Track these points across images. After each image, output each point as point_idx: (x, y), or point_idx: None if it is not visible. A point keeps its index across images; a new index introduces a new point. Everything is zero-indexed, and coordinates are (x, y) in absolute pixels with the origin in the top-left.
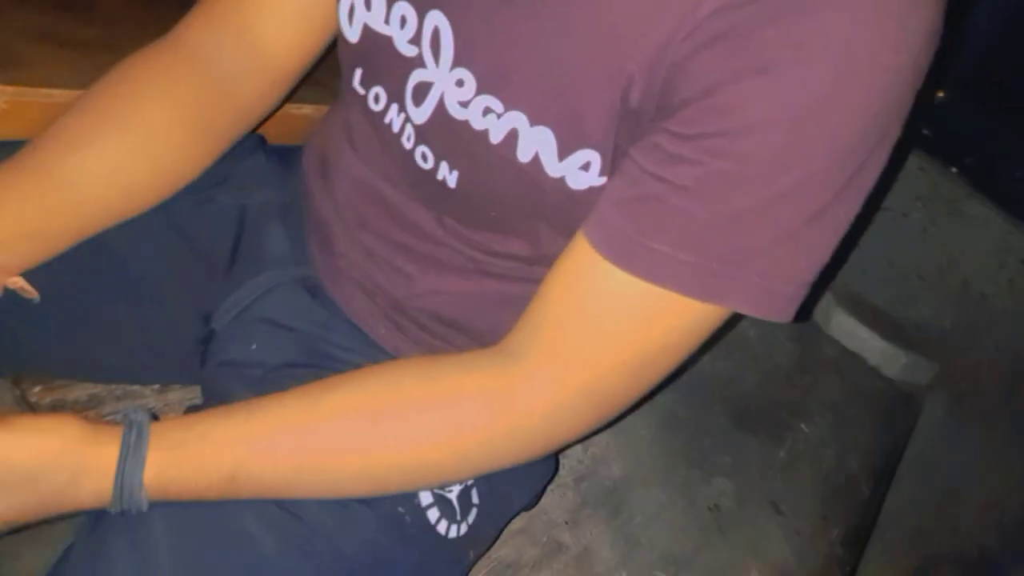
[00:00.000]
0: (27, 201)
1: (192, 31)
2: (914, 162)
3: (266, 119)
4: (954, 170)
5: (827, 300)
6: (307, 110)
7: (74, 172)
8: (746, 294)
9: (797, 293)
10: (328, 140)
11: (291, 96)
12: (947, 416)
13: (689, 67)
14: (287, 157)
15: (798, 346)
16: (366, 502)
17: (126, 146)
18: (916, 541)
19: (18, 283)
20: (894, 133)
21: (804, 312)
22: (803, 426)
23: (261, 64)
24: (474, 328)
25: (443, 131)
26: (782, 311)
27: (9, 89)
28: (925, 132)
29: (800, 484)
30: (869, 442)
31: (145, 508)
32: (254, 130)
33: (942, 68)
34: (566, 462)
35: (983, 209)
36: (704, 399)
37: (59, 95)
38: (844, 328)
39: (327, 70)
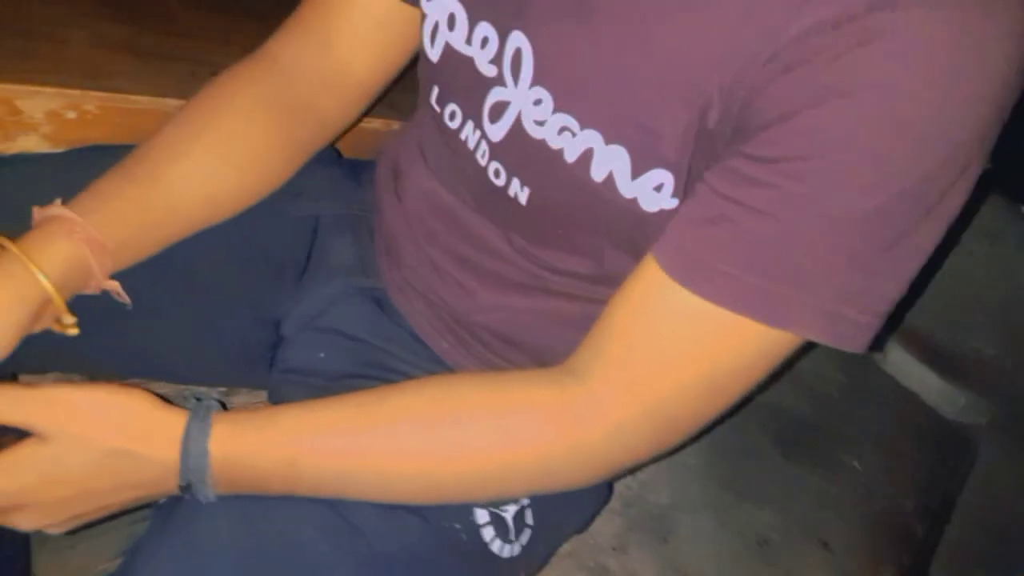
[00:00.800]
0: (135, 211)
1: (281, 46)
2: (980, 196)
3: (343, 134)
4: (1022, 208)
5: (883, 333)
6: (377, 124)
7: (173, 184)
8: (817, 321)
9: (872, 323)
10: (401, 155)
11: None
12: (1004, 458)
13: (770, 90)
14: (359, 171)
15: (851, 379)
16: (423, 515)
17: (218, 158)
18: None
19: (115, 287)
20: (977, 164)
21: (875, 343)
22: (855, 462)
23: (342, 80)
24: (535, 346)
25: (518, 149)
26: (855, 341)
27: (99, 95)
28: (988, 165)
29: (850, 521)
30: (923, 481)
31: (209, 484)
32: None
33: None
34: (615, 487)
35: None
36: (753, 428)
37: (144, 102)
38: (900, 364)
39: (396, 88)
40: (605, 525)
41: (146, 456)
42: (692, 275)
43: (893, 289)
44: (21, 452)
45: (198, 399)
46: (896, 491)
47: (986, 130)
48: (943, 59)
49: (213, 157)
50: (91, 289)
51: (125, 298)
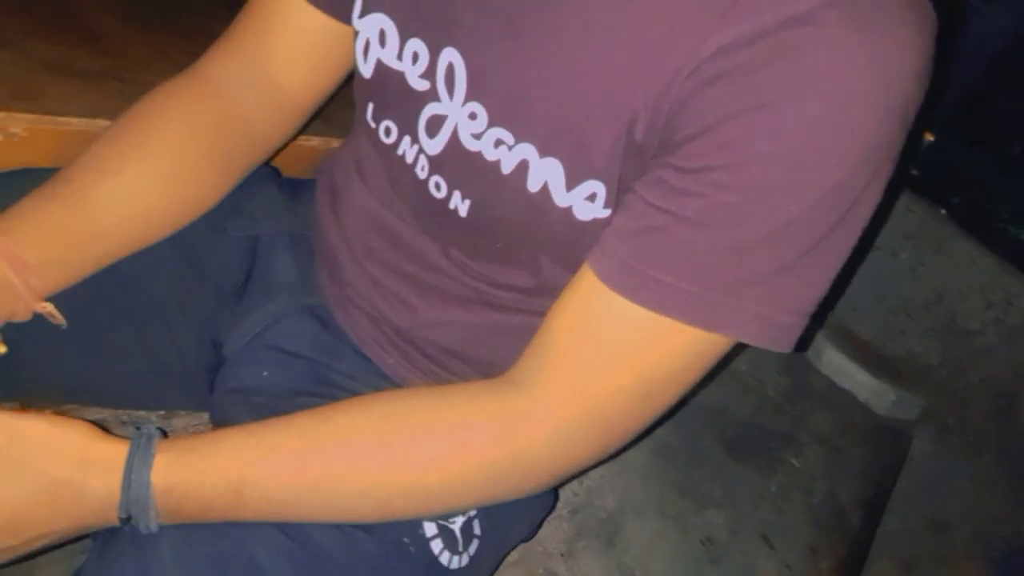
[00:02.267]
0: (59, 229)
1: (213, 64)
2: (903, 202)
3: (278, 151)
4: (942, 211)
5: (818, 336)
6: (315, 142)
7: (101, 202)
8: (748, 323)
9: (797, 323)
10: (338, 172)
11: (303, 129)
12: (935, 450)
13: (692, 104)
14: (298, 189)
15: (789, 379)
16: (371, 531)
17: (149, 176)
18: (905, 573)
19: (47, 308)
20: (887, 169)
21: (803, 343)
22: (793, 459)
23: (277, 98)
24: (478, 359)
25: (457, 162)
26: (782, 341)
27: (27, 117)
28: (913, 172)
29: (791, 516)
30: (859, 475)
31: (152, 514)
32: (267, 162)
33: (930, 109)
34: (561, 493)
35: (970, 248)
36: (696, 429)
37: (74, 123)
38: (834, 364)
39: (334, 105)
40: (553, 532)
41: (86, 486)
42: (628, 283)
43: (816, 290)
44: None
45: (138, 427)
46: (833, 486)
47: (894, 137)
48: (852, 73)
49: (143, 174)
50: (21, 313)
51: (59, 319)
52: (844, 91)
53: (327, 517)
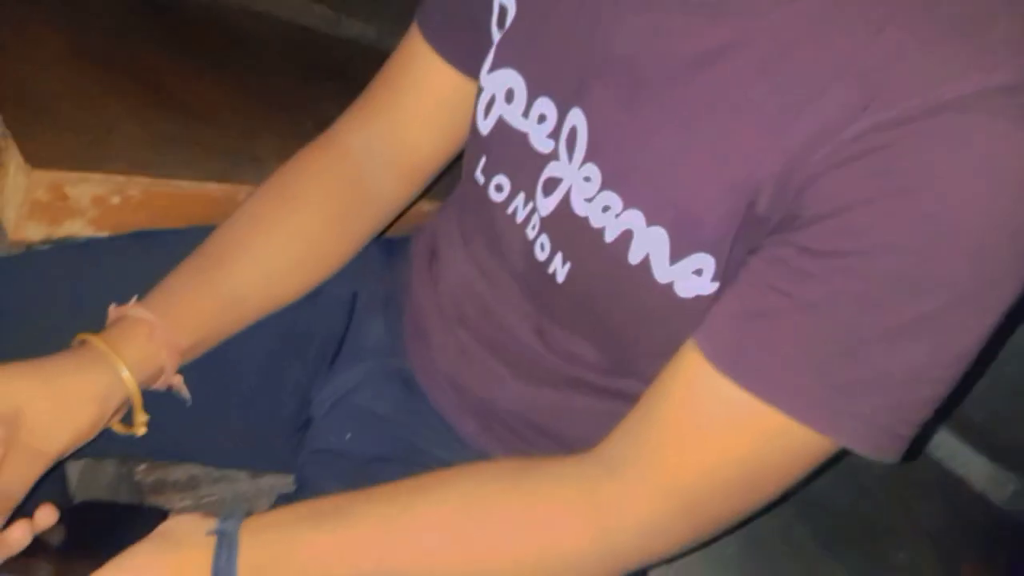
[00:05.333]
0: (206, 314)
1: (348, 131)
2: None
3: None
4: None
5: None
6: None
7: (243, 287)
8: (856, 431)
9: (910, 434)
10: (439, 235)
11: None
12: None
13: (825, 182)
14: (392, 247)
15: (893, 467)
16: None
17: (281, 254)
18: None
19: (179, 383)
20: None
21: (913, 451)
22: (900, 554)
23: (408, 161)
24: (564, 436)
25: (564, 225)
26: (893, 451)
27: (143, 180)
28: None
29: None
30: (974, 573)
31: None
32: None
33: None
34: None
35: None
36: (792, 519)
37: (186, 185)
38: (946, 447)
39: None
40: None
41: None
42: (736, 367)
43: (937, 397)
44: None
45: (218, 529)
46: None
47: None
48: (1005, 165)
49: (275, 255)
50: (158, 386)
51: (186, 394)
52: (995, 186)
53: None
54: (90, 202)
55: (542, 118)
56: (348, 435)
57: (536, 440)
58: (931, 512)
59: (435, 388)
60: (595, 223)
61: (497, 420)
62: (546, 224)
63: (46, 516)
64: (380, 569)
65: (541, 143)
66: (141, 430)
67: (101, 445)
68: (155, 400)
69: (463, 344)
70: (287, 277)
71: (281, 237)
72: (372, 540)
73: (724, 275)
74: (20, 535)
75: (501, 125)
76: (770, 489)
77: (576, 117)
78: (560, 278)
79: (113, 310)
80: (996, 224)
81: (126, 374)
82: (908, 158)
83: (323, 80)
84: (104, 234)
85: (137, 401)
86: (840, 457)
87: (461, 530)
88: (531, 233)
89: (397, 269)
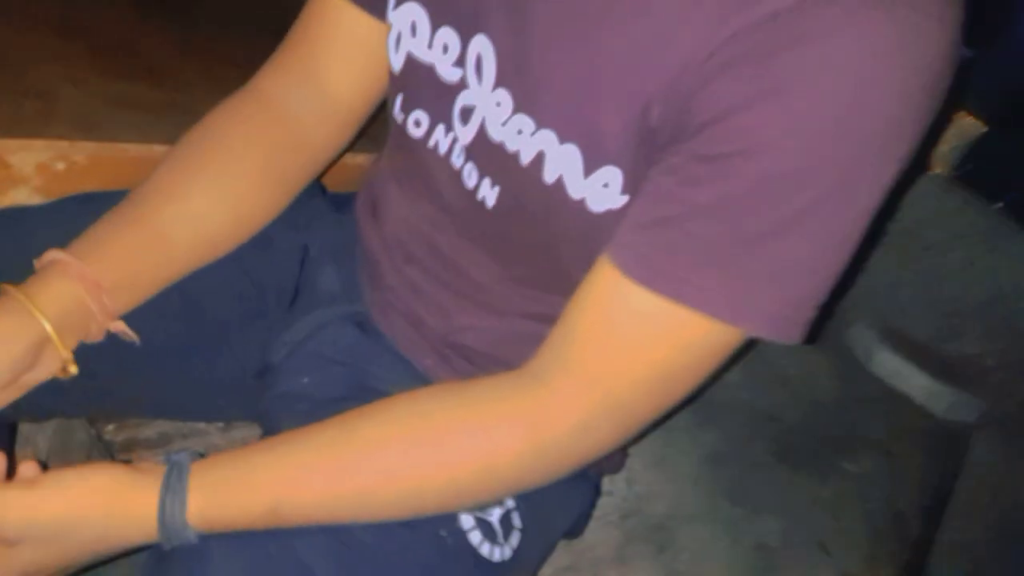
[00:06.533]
0: (131, 252)
1: (268, 81)
2: (956, 199)
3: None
4: (998, 206)
5: (869, 337)
6: (360, 159)
7: (170, 226)
8: (759, 318)
9: (808, 316)
10: (376, 181)
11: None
12: (995, 453)
13: (708, 89)
14: (342, 203)
15: (840, 383)
16: (410, 526)
17: (213, 199)
18: None
19: (120, 327)
20: (907, 154)
21: (813, 335)
22: (847, 464)
23: (331, 108)
24: (512, 362)
25: (484, 151)
26: (794, 334)
27: (88, 145)
28: (967, 167)
29: (847, 523)
30: (917, 481)
31: (193, 539)
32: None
33: (983, 103)
34: (611, 499)
35: None
36: (746, 436)
37: (133, 149)
38: (887, 366)
39: (377, 122)
40: (603, 537)
41: (122, 535)
42: (645, 273)
43: (826, 281)
44: None
45: (168, 458)
46: (891, 491)
47: (919, 123)
48: (874, 55)
49: (209, 199)
50: (95, 334)
51: (133, 336)
52: (864, 75)
53: (364, 519)
54: (34, 169)
55: (445, 48)
56: (305, 379)
57: (494, 370)
58: (877, 425)
59: (392, 327)
60: (510, 147)
61: (454, 352)
62: (469, 152)
63: (30, 470)
64: (329, 489)
65: (448, 72)
66: (71, 368)
67: (60, 402)
68: (115, 354)
69: (414, 282)
70: (217, 218)
71: (206, 177)
72: (320, 462)
73: (631, 189)
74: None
75: (410, 60)
76: (687, 384)
77: (480, 44)
78: (490, 203)
79: (37, 262)
80: (866, 115)
81: (37, 312)
82: (778, 57)
83: (275, 36)
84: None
85: (56, 339)
86: (751, 347)
87: (406, 447)
88: (457, 163)
89: (347, 221)
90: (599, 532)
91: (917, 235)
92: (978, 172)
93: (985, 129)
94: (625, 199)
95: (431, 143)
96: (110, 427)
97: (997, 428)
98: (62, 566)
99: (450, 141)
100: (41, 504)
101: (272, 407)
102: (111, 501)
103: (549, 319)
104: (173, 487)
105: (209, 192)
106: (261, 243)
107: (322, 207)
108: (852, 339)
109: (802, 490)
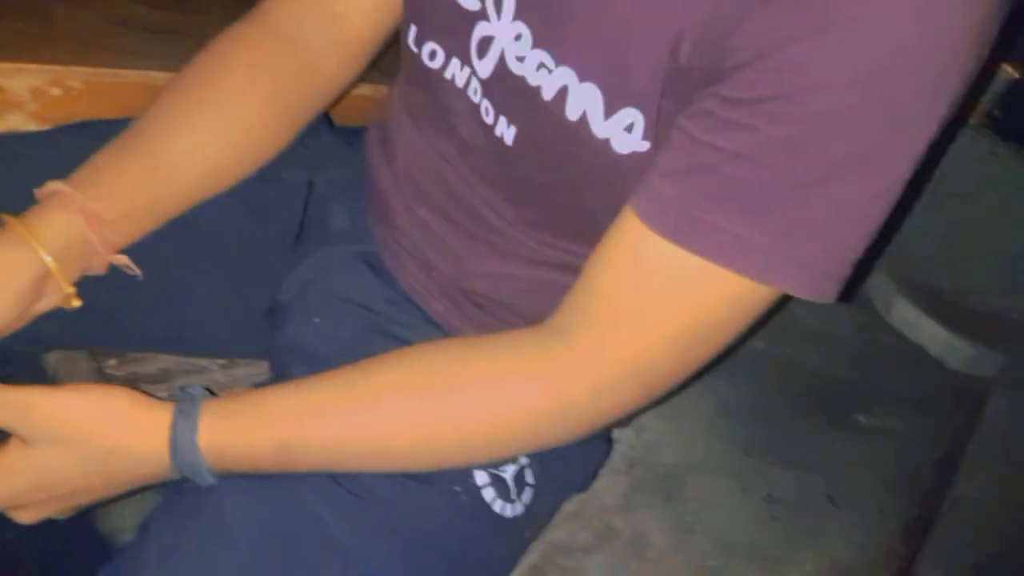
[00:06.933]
0: (132, 184)
1: (276, 5)
2: (984, 145)
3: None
4: None
5: (888, 288)
6: (367, 90)
7: (172, 157)
8: (793, 275)
9: (846, 272)
10: (389, 117)
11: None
12: (1012, 409)
13: (746, 26)
14: (350, 137)
15: (858, 334)
16: (423, 480)
17: (217, 130)
18: (979, 535)
19: (122, 260)
20: (955, 100)
21: (848, 292)
22: (861, 417)
23: (341, 36)
24: (531, 312)
25: (503, 86)
26: (830, 292)
27: (84, 71)
28: (996, 113)
29: (858, 476)
30: (930, 435)
31: (206, 473)
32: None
33: (1009, 46)
34: (618, 447)
35: None
36: (760, 386)
37: (130, 75)
38: (905, 317)
39: (387, 52)
40: (610, 485)
41: (135, 455)
42: (674, 226)
43: (869, 234)
44: (9, 458)
45: (183, 389)
46: (904, 446)
47: (967, 67)
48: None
49: (213, 130)
50: (97, 267)
51: (135, 270)
52: (914, 13)
53: (375, 469)
54: (28, 94)
55: None
56: (316, 319)
57: (506, 317)
58: (892, 377)
59: (402, 269)
60: (532, 81)
61: (465, 298)
62: (487, 87)
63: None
64: (340, 432)
65: (468, 1)
66: (74, 302)
67: (62, 333)
68: (118, 285)
69: (426, 223)
70: (221, 150)
71: (210, 106)
72: (332, 403)
73: (656, 134)
74: None
75: None
76: (715, 344)
77: None
78: (508, 140)
79: (37, 192)
80: (919, 55)
81: (37, 244)
82: None
83: None
84: (45, 128)
85: (56, 271)
86: (782, 306)
87: (420, 394)
88: (474, 97)
89: (357, 157)
90: (606, 480)
91: (944, 181)
92: (1008, 118)
93: (1016, 75)
94: (648, 145)
95: (448, 75)
96: (112, 361)
97: (1014, 383)
98: (70, 480)
99: (467, 75)
100: (64, 403)
101: (282, 346)
102: (127, 414)
103: (564, 268)
104: (186, 411)
105: (214, 122)
106: (266, 177)
107: (329, 141)
108: (872, 289)
109: (814, 442)
